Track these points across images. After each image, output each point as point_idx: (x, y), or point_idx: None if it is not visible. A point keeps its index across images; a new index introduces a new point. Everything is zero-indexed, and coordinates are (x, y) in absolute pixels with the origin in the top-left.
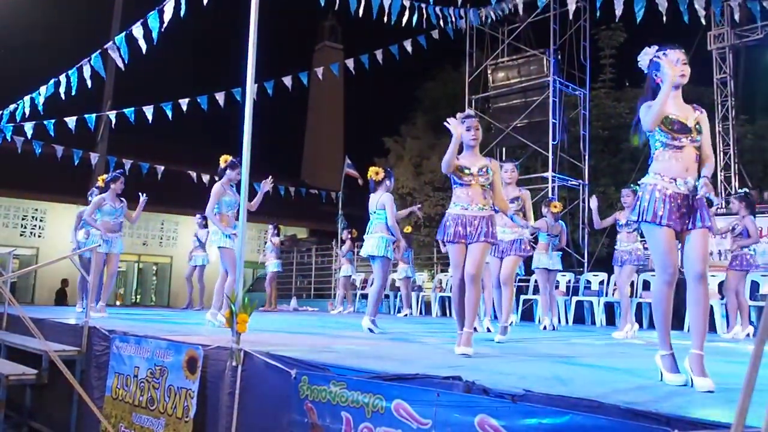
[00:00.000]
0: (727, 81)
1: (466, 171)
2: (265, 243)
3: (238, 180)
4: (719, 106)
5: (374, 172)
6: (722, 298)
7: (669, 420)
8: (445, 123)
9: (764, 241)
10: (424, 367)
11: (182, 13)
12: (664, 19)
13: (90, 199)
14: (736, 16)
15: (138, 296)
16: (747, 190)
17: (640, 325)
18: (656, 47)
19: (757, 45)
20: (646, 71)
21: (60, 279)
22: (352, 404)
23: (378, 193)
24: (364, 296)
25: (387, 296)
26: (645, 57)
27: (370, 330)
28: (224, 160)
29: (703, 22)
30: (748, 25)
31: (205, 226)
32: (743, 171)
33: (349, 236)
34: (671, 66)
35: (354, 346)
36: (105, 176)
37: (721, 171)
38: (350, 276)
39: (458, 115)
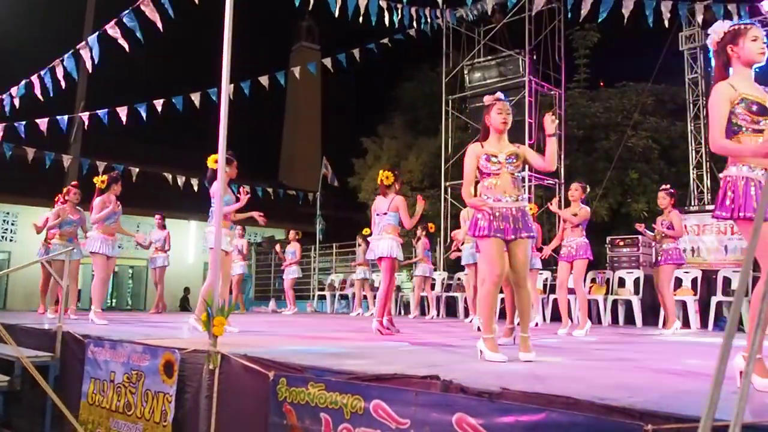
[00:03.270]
0: (699, 81)
1: (494, 159)
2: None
3: (232, 176)
4: (691, 105)
5: (385, 177)
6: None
7: (642, 414)
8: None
9: (735, 237)
10: (402, 367)
11: (157, 17)
12: (625, 21)
13: (68, 197)
14: (699, 18)
15: (114, 300)
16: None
17: (615, 322)
18: (729, 23)
19: None
20: (716, 48)
21: (34, 282)
22: (331, 405)
23: (389, 196)
24: (344, 297)
25: (365, 297)
26: (715, 36)
27: (379, 331)
28: (215, 160)
29: (666, 24)
30: None
31: (164, 227)
32: (714, 169)
33: (297, 237)
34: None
35: (333, 347)
36: (104, 177)
37: (693, 169)
38: (298, 277)
39: (487, 98)
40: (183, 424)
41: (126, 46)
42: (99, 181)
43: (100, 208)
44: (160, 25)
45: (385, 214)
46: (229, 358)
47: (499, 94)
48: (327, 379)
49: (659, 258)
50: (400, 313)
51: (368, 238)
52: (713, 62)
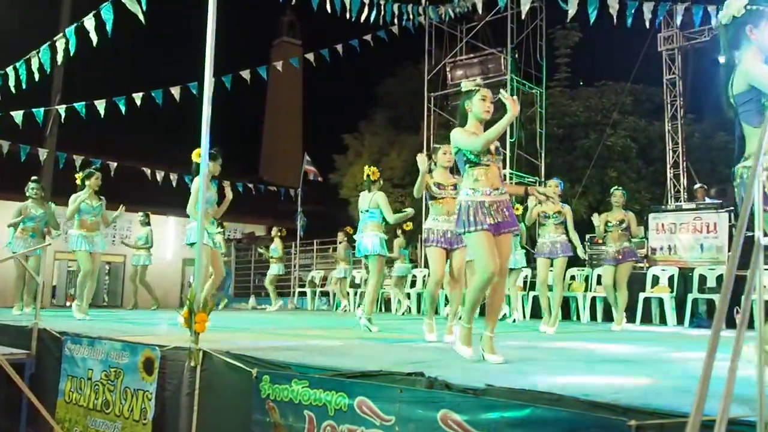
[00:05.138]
0: (676, 81)
1: (489, 150)
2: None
3: (215, 174)
4: (668, 105)
5: (371, 172)
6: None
7: (626, 410)
8: (503, 96)
9: (711, 236)
10: (387, 364)
11: (138, 10)
12: (615, 21)
13: (27, 192)
14: (678, 20)
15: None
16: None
17: (594, 319)
18: None
19: (705, 47)
20: (726, 22)
21: (8, 279)
22: (315, 402)
23: (372, 192)
24: (324, 294)
25: (347, 293)
26: (732, 10)
27: (368, 328)
28: (198, 154)
29: (647, 25)
30: (696, 28)
31: (148, 224)
32: (691, 168)
33: (279, 234)
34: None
35: (316, 344)
36: (80, 174)
37: (670, 168)
38: (281, 274)
39: (466, 83)
40: (163, 422)
41: (94, 41)
42: (79, 177)
43: (73, 207)
44: (141, 17)
45: (367, 211)
46: (211, 355)
47: (480, 80)
48: (311, 376)
49: (624, 255)
50: (381, 310)
51: (355, 236)
52: (723, 40)
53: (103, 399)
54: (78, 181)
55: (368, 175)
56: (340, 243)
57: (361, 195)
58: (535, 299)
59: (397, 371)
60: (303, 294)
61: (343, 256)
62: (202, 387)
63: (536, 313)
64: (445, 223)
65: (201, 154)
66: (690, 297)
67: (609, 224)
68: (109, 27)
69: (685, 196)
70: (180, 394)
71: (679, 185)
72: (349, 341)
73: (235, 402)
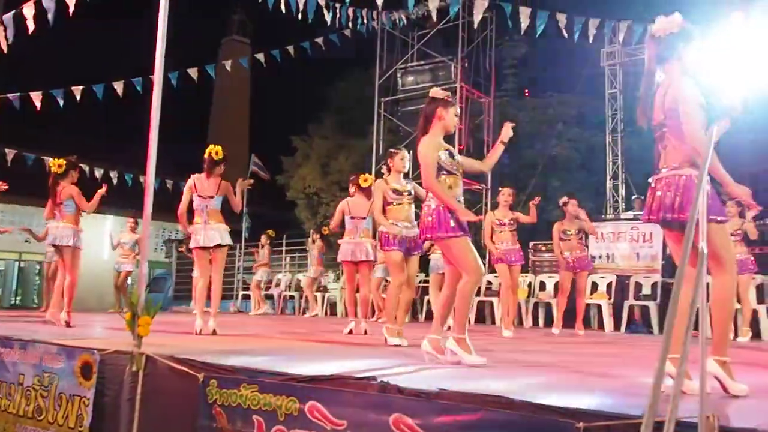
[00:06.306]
0: (617, 95)
1: (453, 159)
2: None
3: (219, 173)
4: (609, 118)
5: (363, 180)
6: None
7: (575, 413)
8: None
9: (647, 246)
10: (338, 368)
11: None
12: (565, 33)
13: None
14: (620, 36)
15: (18, 298)
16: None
17: (536, 324)
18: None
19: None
20: (660, 35)
21: None
22: (265, 407)
23: (368, 200)
24: (269, 297)
25: (292, 297)
26: (669, 25)
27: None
28: (216, 151)
29: (590, 40)
30: (636, 45)
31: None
32: (629, 180)
33: None
34: None
35: (265, 348)
36: (61, 161)
37: (609, 180)
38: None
39: (441, 92)
40: (101, 429)
41: (30, 28)
42: (55, 165)
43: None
44: (71, 8)
45: (363, 218)
46: (154, 359)
47: (450, 93)
48: (261, 380)
49: (584, 265)
50: (327, 314)
51: (342, 240)
52: (650, 51)
53: (35, 405)
54: (54, 169)
55: (362, 183)
56: (262, 247)
57: (351, 201)
58: (480, 304)
59: (348, 375)
60: (247, 297)
61: (266, 259)
62: (145, 392)
63: (481, 319)
64: (404, 229)
65: (149, 155)
66: (626, 304)
67: (567, 232)
68: (50, 16)
69: (623, 207)
70: (120, 400)
71: (618, 196)
72: (301, 345)
73: (179, 408)
